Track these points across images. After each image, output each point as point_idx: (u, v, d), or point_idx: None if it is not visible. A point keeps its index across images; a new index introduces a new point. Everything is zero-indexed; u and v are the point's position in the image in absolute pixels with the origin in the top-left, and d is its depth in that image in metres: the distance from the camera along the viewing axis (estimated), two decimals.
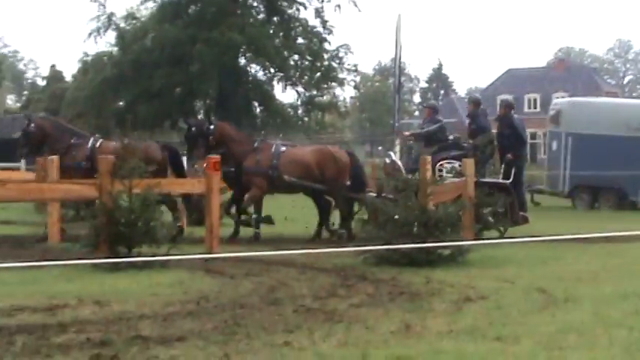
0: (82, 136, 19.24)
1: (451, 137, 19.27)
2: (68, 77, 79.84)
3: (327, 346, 7.67)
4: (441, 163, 18.21)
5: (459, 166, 17.91)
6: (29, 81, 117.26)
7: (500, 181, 18.51)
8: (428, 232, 13.28)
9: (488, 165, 18.97)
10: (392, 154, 19.49)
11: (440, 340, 7.91)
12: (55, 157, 16.92)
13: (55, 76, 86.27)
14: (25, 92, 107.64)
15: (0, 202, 17.93)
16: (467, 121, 20.10)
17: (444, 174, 18.05)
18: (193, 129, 18.73)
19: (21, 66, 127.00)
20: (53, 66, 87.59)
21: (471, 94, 20.92)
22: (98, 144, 18.59)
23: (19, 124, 65.65)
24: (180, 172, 18.20)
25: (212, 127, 18.71)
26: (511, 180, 18.37)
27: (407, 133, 21.69)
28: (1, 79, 73.95)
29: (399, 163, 18.74)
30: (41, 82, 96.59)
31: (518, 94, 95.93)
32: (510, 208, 18.11)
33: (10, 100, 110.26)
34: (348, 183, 17.88)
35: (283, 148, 18.75)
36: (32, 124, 19.14)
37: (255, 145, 18.75)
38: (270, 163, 18.08)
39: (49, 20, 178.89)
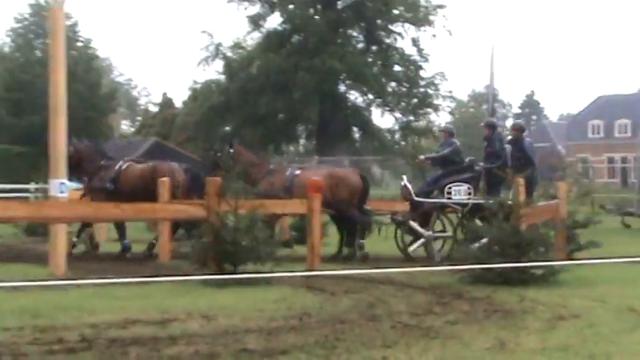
0: (112, 159, 19.68)
1: (467, 160, 18.87)
2: (178, 104, 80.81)
3: None
4: (449, 185, 17.86)
5: (468, 188, 17.76)
6: (142, 107, 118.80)
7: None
8: (521, 252, 13.14)
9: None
10: (404, 177, 19.23)
11: (533, 356, 7.82)
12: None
13: (166, 102, 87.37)
14: (139, 118, 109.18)
15: (116, 221, 18.16)
16: (507, 146, 19.59)
17: (453, 196, 17.72)
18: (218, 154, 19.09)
19: (135, 93, 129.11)
20: (165, 93, 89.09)
21: (487, 119, 20.37)
22: (125, 166, 19.03)
23: (133, 148, 66.78)
24: (201, 195, 17.82)
25: (231, 150, 18.95)
26: None
27: (423, 157, 21.30)
28: (117, 105, 75.15)
29: (409, 186, 18.48)
30: (153, 109, 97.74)
31: (609, 120, 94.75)
32: None
33: (125, 125, 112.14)
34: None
35: (297, 172, 18.72)
36: (71, 147, 19.36)
37: (271, 167, 19.08)
38: (283, 186, 18.06)
39: (161, 50, 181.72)
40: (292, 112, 57.32)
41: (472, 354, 7.93)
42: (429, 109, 58.56)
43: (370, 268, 14.65)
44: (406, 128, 58.04)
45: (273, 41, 57.95)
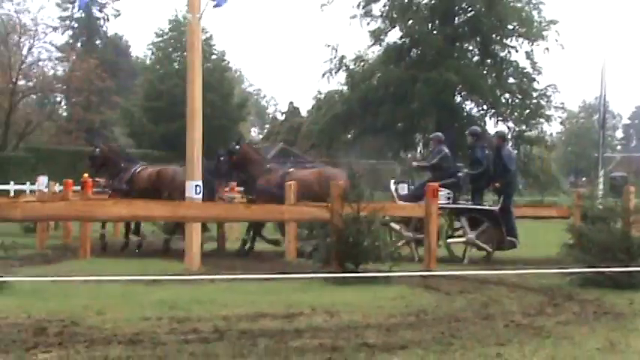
0: (131, 162, 20.33)
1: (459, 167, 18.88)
2: (304, 112, 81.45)
3: (536, 359, 7.53)
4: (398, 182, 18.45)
5: (448, 193, 17.78)
6: (270, 116, 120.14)
7: (487, 207, 18.13)
8: (631, 256, 12.82)
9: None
10: (391, 182, 19.26)
11: None
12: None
13: (292, 111, 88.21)
14: (267, 125, 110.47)
15: (245, 221, 18.37)
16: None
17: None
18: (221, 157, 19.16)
19: (263, 102, 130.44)
20: (291, 103, 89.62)
21: (471, 128, 19.87)
22: (139, 170, 19.58)
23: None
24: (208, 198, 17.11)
25: (237, 147, 19.16)
26: (499, 207, 17.80)
27: (415, 164, 21.39)
28: (247, 114, 76.03)
29: (393, 191, 18.51)
30: (280, 117, 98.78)
31: None
32: (496, 233, 17.55)
33: (254, 132, 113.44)
34: None
35: (290, 170, 18.82)
36: (97, 149, 20.56)
37: (267, 166, 19.19)
38: (276, 183, 18.06)
39: (288, 63, 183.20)
40: (410, 122, 57.29)
41: (583, 353, 7.77)
42: (541, 120, 57.76)
43: (484, 270, 14.49)
44: (519, 137, 57.28)
45: (393, 54, 58.02)
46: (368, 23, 60.40)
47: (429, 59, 55.43)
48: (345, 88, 61.21)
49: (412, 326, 9.01)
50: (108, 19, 78.67)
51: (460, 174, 18.54)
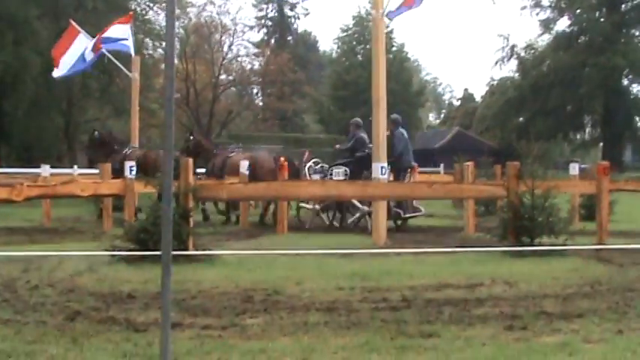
0: (124, 145, 22.05)
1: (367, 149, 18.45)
2: (478, 98, 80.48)
3: None
4: (331, 167, 19.60)
5: (345, 171, 18.86)
6: (446, 102, 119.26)
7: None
8: None
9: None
10: (307, 160, 20.56)
11: None
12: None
13: (467, 97, 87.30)
14: (443, 111, 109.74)
15: (429, 200, 18.35)
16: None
17: (334, 177, 18.88)
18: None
19: (440, 90, 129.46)
20: (466, 89, 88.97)
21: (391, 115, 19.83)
22: (129, 152, 21.16)
23: (439, 137, 66.90)
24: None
25: (191, 138, 21.29)
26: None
27: (337, 147, 21.99)
28: (425, 100, 75.73)
29: (306, 168, 19.91)
30: (456, 103, 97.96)
31: None
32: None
33: (431, 117, 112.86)
34: None
35: (230, 155, 20.72)
36: (96, 134, 22.87)
37: (215, 152, 21.14)
38: (220, 166, 20.17)
39: (463, 52, 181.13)
40: (579, 105, 55.97)
41: None
42: None
43: None
44: None
45: (562, 42, 56.83)
46: (537, 13, 59.44)
47: (597, 45, 53.90)
48: (517, 74, 60.28)
49: (587, 296, 8.77)
50: (298, 18, 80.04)
51: (358, 154, 19.10)
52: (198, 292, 8.87)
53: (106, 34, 20.88)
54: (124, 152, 21.28)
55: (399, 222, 18.34)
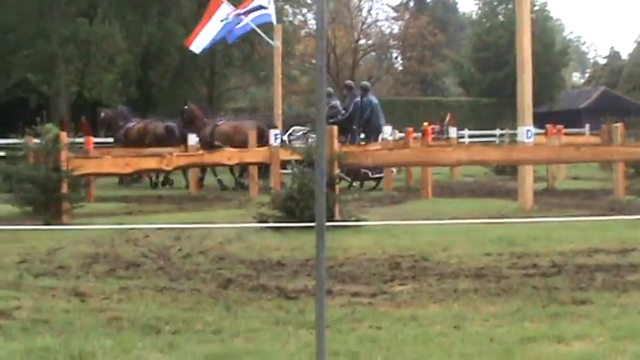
0: (127, 119, 24.72)
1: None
2: (624, 56, 77.90)
3: None
4: (293, 128, 22.02)
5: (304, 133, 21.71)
6: (591, 61, 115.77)
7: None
8: None
9: None
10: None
11: None
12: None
13: (613, 55, 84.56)
14: (588, 70, 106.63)
15: (575, 163, 17.95)
16: None
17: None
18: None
19: (584, 48, 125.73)
20: (612, 47, 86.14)
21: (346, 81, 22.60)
22: (131, 125, 24.13)
23: (583, 97, 65.21)
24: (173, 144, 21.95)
25: (186, 107, 22.59)
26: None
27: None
28: (569, 60, 73.67)
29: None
30: (601, 61, 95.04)
31: None
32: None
33: (575, 77, 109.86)
34: None
35: (219, 123, 21.78)
36: (102, 113, 26.36)
37: (204, 120, 22.14)
38: (208, 134, 21.18)
39: (608, 8, 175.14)
40: None
41: None
42: None
43: None
44: None
45: None
46: None
47: None
48: None
49: None
50: None
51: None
52: (345, 259, 8.96)
53: (250, 6, 21.14)
54: (126, 126, 24.33)
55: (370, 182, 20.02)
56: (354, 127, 21.44)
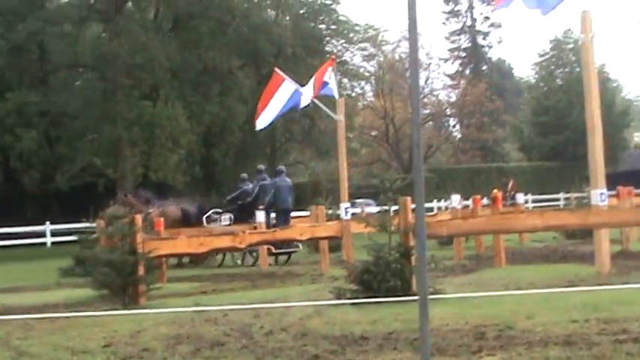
0: (148, 203, 24.40)
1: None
2: None
3: None
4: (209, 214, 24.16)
5: (230, 217, 23.61)
6: None
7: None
8: None
9: None
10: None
11: None
12: None
13: None
14: None
15: None
16: None
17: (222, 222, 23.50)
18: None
19: None
20: None
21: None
22: (150, 211, 22.95)
23: None
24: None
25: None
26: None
27: (227, 198, 25.92)
28: (630, 120, 73.13)
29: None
30: None
31: None
32: None
33: (637, 137, 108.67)
34: None
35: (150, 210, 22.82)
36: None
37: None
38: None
39: None
40: None
41: None
42: None
43: None
44: None
45: None
46: None
47: None
48: None
49: None
50: (491, 46, 79.25)
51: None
52: (429, 331, 8.89)
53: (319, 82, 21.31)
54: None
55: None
56: (259, 207, 22.82)
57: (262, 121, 22.49)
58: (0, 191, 43.59)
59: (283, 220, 22.65)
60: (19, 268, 25.63)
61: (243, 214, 23.31)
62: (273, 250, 20.99)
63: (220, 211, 24.58)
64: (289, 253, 22.22)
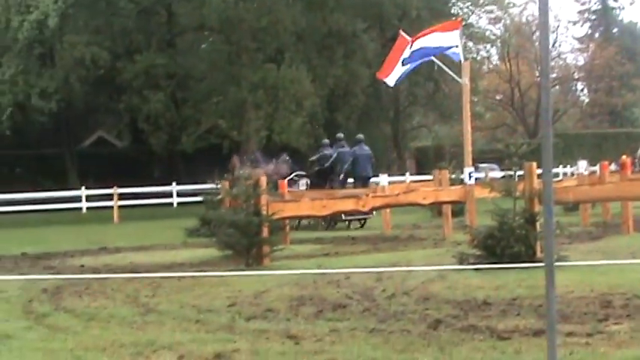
0: (257, 164, 24.40)
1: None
2: None
3: None
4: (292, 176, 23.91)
5: (306, 182, 24.18)
6: None
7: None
8: None
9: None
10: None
11: None
12: None
13: None
14: None
15: None
16: None
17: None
18: None
19: None
20: None
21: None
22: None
23: None
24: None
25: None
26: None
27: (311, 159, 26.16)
28: None
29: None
30: None
31: None
32: None
33: None
34: None
35: None
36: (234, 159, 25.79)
37: None
38: None
39: None
40: None
41: None
42: None
43: None
44: None
45: None
46: None
47: None
48: None
49: None
50: (623, 8, 76.84)
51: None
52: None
53: (436, 44, 21.04)
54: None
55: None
56: (339, 174, 23.78)
57: (392, 79, 22.36)
58: (128, 152, 44.96)
59: (362, 187, 22.98)
60: (146, 227, 26.35)
61: (320, 180, 23.88)
62: (343, 218, 21.37)
63: (303, 173, 24.87)
64: (363, 220, 22.41)
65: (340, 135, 25.84)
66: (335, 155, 24.18)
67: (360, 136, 25.86)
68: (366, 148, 24.78)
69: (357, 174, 24.04)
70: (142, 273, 12.45)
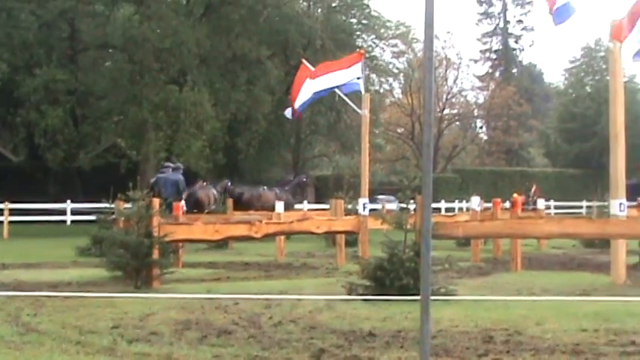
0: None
1: None
2: None
3: None
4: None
5: None
6: None
7: None
8: None
9: None
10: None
11: None
12: None
13: None
14: None
15: None
16: None
17: None
18: None
19: None
20: None
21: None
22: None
23: None
24: None
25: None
26: None
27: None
28: None
29: None
30: None
31: None
32: None
33: None
34: None
35: None
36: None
37: None
38: None
39: None
40: None
41: None
42: None
43: None
44: None
45: None
46: None
47: None
48: None
49: None
50: (523, 49, 78.88)
51: None
52: (437, 332, 8.87)
53: (340, 82, 21.12)
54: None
55: None
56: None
57: (291, 111, 22.43)
58: (23, 167, 43.91)
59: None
60: (37, 245, 25.78)
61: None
62: None
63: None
64: None
65: (168, 163, 27.04)
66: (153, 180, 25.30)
67: (169, 163, 27.25)
68: (176, 174, 25.48)
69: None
70: (25, 291, 12.14)
